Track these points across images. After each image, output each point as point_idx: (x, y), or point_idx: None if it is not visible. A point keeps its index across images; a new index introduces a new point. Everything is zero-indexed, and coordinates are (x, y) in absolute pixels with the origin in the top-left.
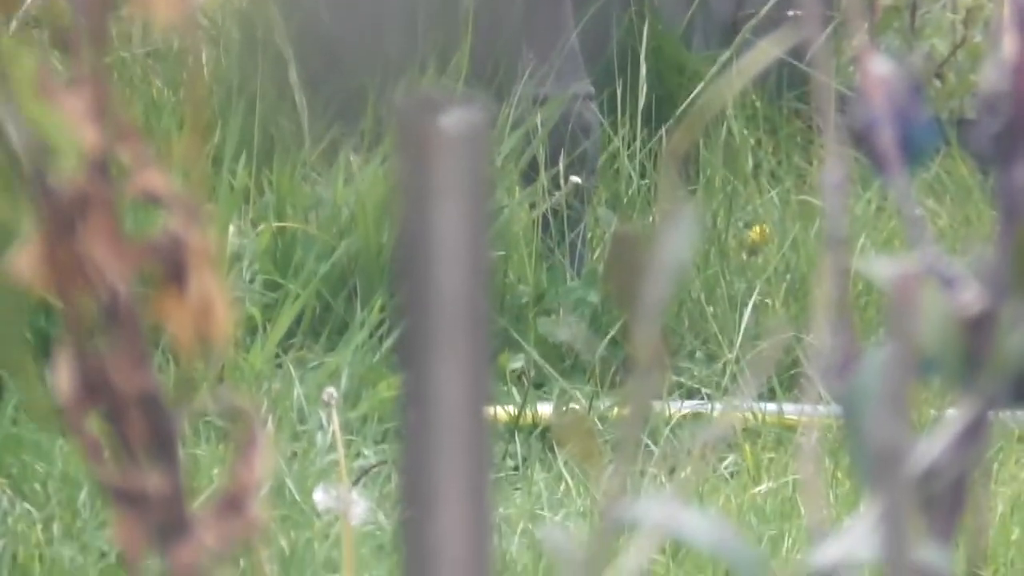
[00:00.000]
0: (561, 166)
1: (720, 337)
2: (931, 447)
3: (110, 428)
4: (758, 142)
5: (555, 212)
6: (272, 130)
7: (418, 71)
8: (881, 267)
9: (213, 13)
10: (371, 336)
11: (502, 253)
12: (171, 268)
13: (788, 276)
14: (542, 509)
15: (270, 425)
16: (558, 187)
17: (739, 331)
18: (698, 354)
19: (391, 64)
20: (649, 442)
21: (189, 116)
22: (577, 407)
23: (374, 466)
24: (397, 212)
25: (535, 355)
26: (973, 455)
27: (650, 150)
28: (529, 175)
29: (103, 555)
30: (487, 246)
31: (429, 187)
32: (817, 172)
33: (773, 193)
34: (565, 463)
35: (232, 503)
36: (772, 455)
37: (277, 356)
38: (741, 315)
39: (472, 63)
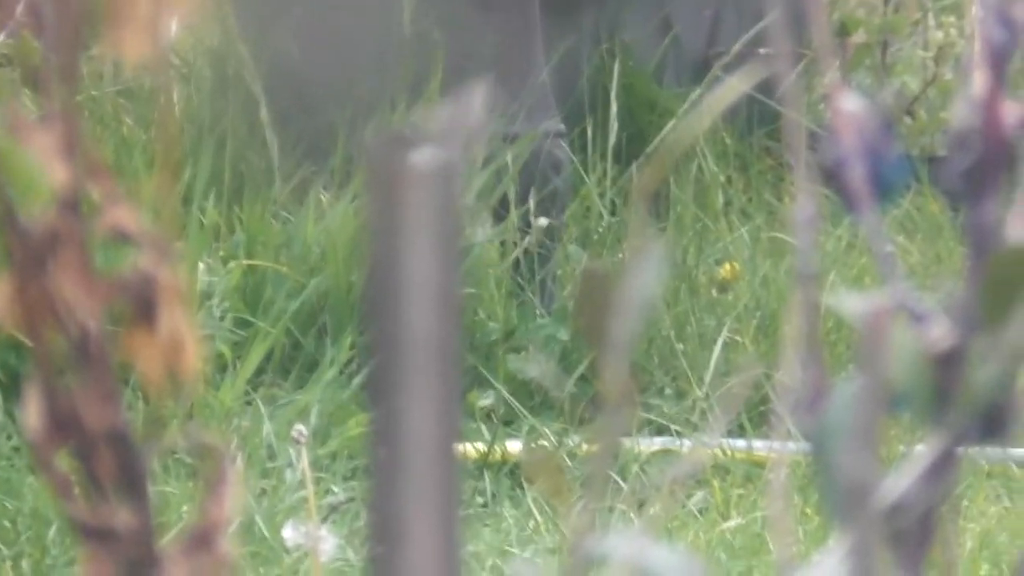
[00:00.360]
0: (532, 204)
1: (690, 374)
2: (900, 482)
3: (79, 465)
4: (728, 179)
5: (525, 250)
6: (242, 168)
7: (389, 109)
8: (851, 303)
9: (184, 52)
10: (341, 373)
11: (472, 291)
12: (141, 305)
13: (758, 313)
14: (511, 545)
15: (239, 462)
16: (529, 225)
17: (709, 368)
18: (667, 391)
19: (362, 102)
20: (618, 479)
21: (160, 154)
22: (546, 444)
23: (343, 503)
24: (367, 250)
25: (504, 392)
26: (942, 491)
27: (620, 187)
28: (500, 213)
29: None
30: (458, 284)
31: (400, 224)
32: (788, 209)
33: (743, 230)
34: (534, 500)
35: (201, 540)
36: (741, 491)
37: (247, 393)
38: (711, 352)
39: (443, 101)
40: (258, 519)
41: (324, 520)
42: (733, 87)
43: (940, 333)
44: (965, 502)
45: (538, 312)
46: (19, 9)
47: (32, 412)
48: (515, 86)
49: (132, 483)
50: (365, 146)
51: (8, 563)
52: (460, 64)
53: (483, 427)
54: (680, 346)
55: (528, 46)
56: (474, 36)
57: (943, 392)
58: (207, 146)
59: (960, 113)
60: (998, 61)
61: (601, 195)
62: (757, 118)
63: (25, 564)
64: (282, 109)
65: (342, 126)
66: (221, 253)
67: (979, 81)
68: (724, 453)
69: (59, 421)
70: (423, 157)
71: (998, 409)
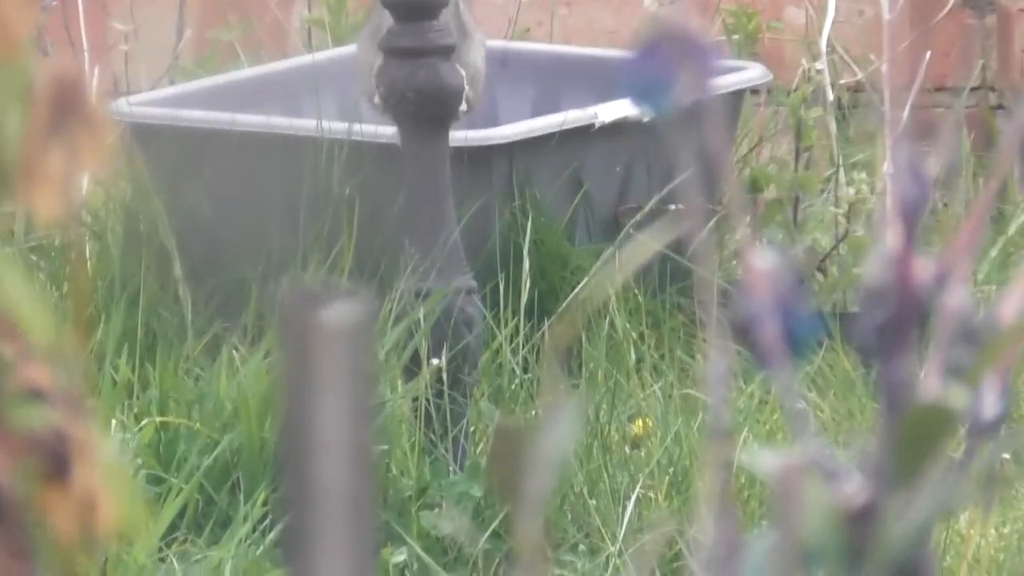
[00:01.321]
0: (444, 360)
1: (603, 530)
2: None
3: None
4: (641, 336)
5: (437, 406)
6: (155, 324)
7: (301, 266)
8: (764, 460)
9: (96, 208)
10: (255, 530)
11: (384, 447)
12: (55, 462)
13: (671, 469)
14: None
15: None
16: (441, 381)
17: (622, 524)
18: (581, 547)
19: (274, 259)
20: None
21: (72, 311)
22: None
23: None
24: (281, 406)
25: (418, 548)
26: None
27: (533, 344)
28: (411, 369)
29: None
30: (370, 440)
31: (312, 380)
32: (700, 365)
33: (656, 387)
34: None
35: None
36: None
37: (160, 550)
38: (624, 508)
39: (355, 258)
40: None
41: None
42: (645, 244)
43: (853, 490)
44: None
45: (451, 469)
46: None
47: None
48: (427, 243)
49: None
50: (278, 303)
51: None
52: (372, 220)
53: None
54: (593, 502)
55: (439, 202)
56: (385, 193)
57: (856, 549)
58: (119, 303)
59: (872, 269)
60: (910, 217)
61: (513, 352)
62: (669, 275)
63: None
64: (195, 265)
65: (255, 282)
66: (134, 410)
67: (891, 237)
68: None
69: None
70: (335, 314)
71: (912, 567)
